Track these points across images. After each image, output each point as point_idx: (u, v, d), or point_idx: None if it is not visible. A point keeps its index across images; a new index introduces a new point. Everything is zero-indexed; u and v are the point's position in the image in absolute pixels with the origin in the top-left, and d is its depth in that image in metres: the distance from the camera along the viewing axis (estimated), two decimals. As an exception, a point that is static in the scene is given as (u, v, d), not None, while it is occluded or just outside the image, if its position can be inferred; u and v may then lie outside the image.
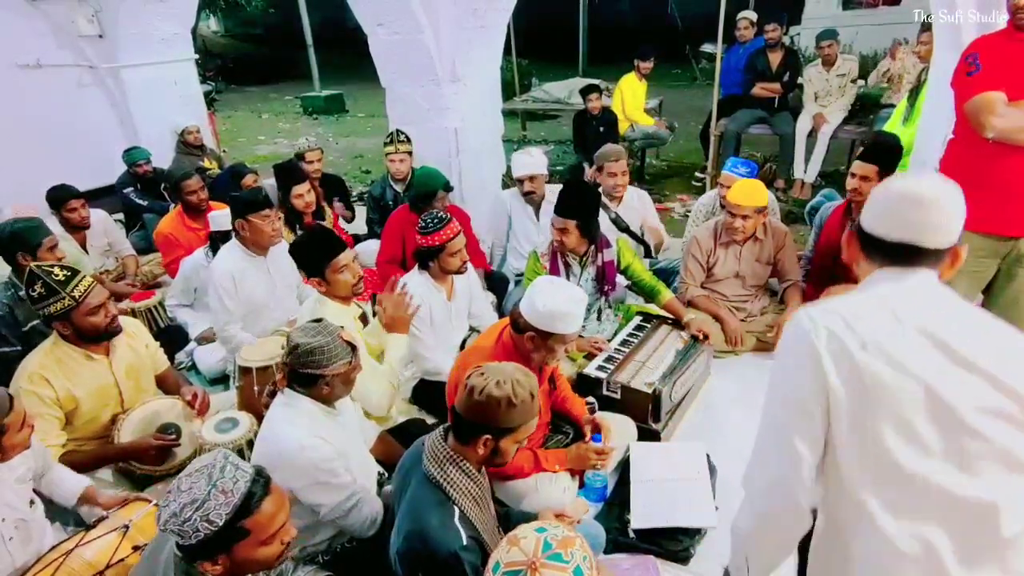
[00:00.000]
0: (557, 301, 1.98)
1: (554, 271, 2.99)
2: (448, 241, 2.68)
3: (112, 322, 2.31)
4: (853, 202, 3.17)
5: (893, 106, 4.95)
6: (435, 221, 2.69)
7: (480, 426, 1.53)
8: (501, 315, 3.43)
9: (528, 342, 2.06)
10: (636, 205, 3.94)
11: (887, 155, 3.08)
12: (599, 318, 3.19)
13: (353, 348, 1.85)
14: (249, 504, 1.26)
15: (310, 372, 1.80)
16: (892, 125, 4.43)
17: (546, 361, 2.14)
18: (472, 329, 3.15)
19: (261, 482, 1.31)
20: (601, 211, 3.24)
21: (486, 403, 1.50)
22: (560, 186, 4.01)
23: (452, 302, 2.91)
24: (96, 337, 2.30)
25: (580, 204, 2.87)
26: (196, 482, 1.24)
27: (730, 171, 3.61)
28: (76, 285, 2.20)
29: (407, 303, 2.52)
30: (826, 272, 3.40)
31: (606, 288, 3.09)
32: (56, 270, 2.21)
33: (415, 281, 2.76)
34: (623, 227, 3.71)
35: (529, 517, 1.98)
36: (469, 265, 2.96)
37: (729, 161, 3.73)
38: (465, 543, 1.47)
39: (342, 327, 1.90)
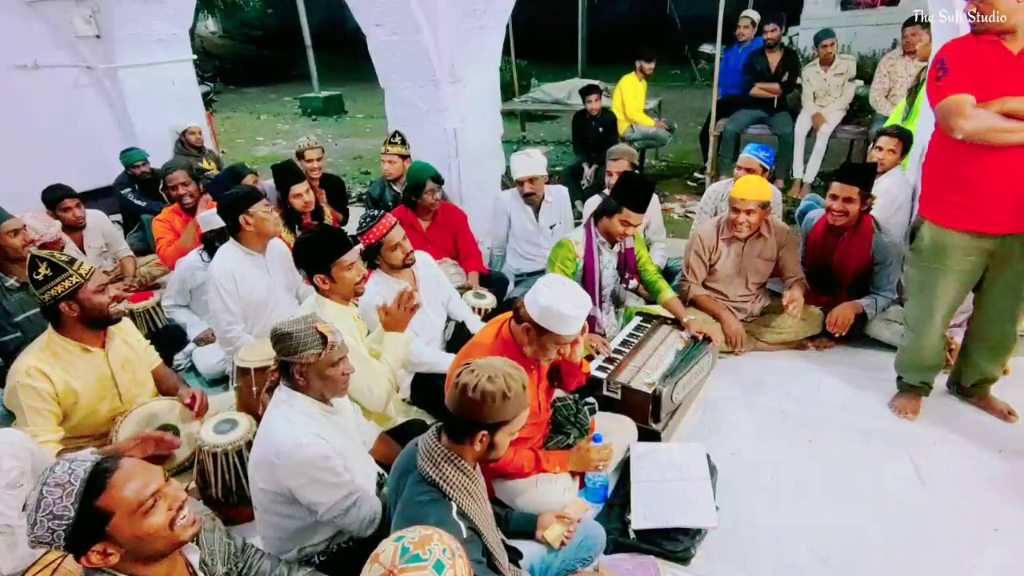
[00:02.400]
0: (560, 301, 1.97)
1: (589, 254, 3.01)
2: (383, 236, 2.67)
3: (113, 303, 2.34)
4: (835, 223, 3.19)
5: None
6: (367, 219, 2.70)
7: (475, 423, 1.53)
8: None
9: (524, 333, 2.07)
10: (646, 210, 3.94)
11: (864, 175, 3.12)
12: (615, 303, 3.27)
13: (325, 340, 1.83)
14: (94, 485, 1.23)
15: (284, 359, 1.82)
16: (892, 123, 4.42)
17: (537, 357, 2.12)
18: (450, 320, 3.13)
19: (106, 462, 1.28)
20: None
21: (481, 400, 1.49)
22: (560, 187, 4.05)
23: (418, 294, 2.87)
24: (101, 320, 2.33)
25: (649, 197, 2.99)
26: (32, 492, 1.23)
27: (751, 154, 3.64)
28: (80, 265, 2.27)
29: (406, 301, 2.50)
30: (817, 280, 3.41)
31: (627, 276, 3.14)
32: (57, 254, 2.27)
33: (374, 284, 2.74)
34: None
35: (530, 518, 1.98)
36: (427, 257, 2.98)
37: (750, 146, 3.76)
38: (465, 535, 1.47)
39: (319, 319, 1.89)
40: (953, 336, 2.98)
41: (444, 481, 1.53)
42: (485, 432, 1.54)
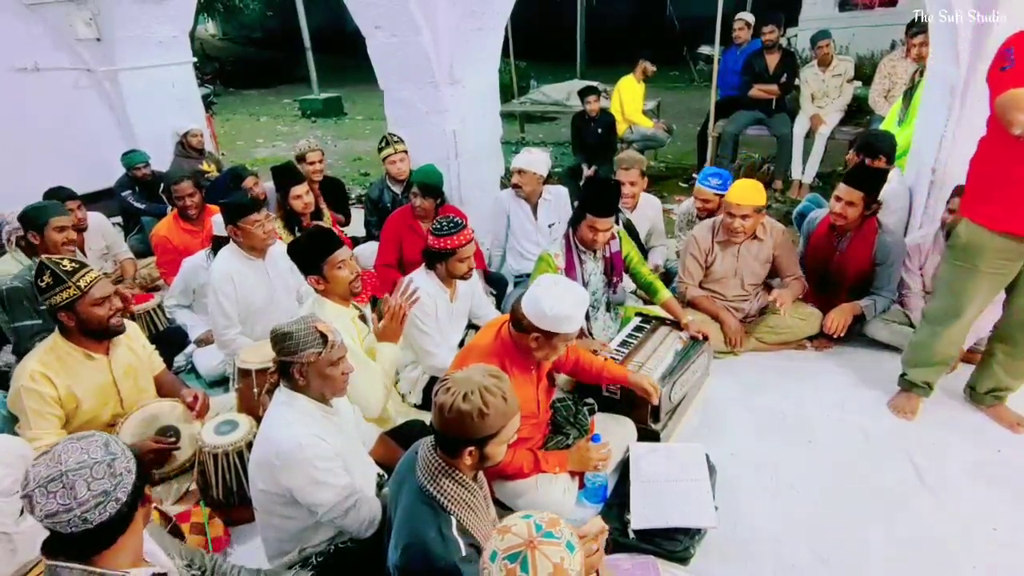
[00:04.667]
0: (565, 304, 1.99)
1: (570, 266, 3.00)
2: (460, 247, 2.68)
3: (114, 316, 2.32)
4: (835, 223, 3.17)
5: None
6: (450, 225, 2.68)
7: (460, 440, 1.51)
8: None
9: (532, 342, 2.08)
10: (650, 215, 3.95)
11: (873, 181, 3.08)
12: (608, 309, 3.23)
13: (325, 339, 1.84)
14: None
15: (284, 360, 1.82)
16: (887, 126, 4.43)
17: (547, 358, 2.15)
18: (471, 326, 3.16)
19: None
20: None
21: (458, 419, 1.47)
22: (559, 187, 4.05)
23: (454, 303, 2.92)
24: (98, 332, 2.31)
25: (615, 200, 2.94)
26: (82, 452, 1.23)
27: (702, 184, 3.60)
28: (82, 276, 2.23)
29: (401, 312, 2.51)
30: (816, 282, 3.41)
31: (615, 280, 3.12)
32: (64, 261, 2.24)
33: (422, 280, 2.77)
34: (632, 234, 3.72)
35: None
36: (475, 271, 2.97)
37: (703, 171, 3.71)
38: (464, 553, 1.46)
39: (318, 319, 1.90)
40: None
41: (443, 495, 1.52)
42: (472, 448, 1.52)
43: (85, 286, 2.22)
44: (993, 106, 2.19)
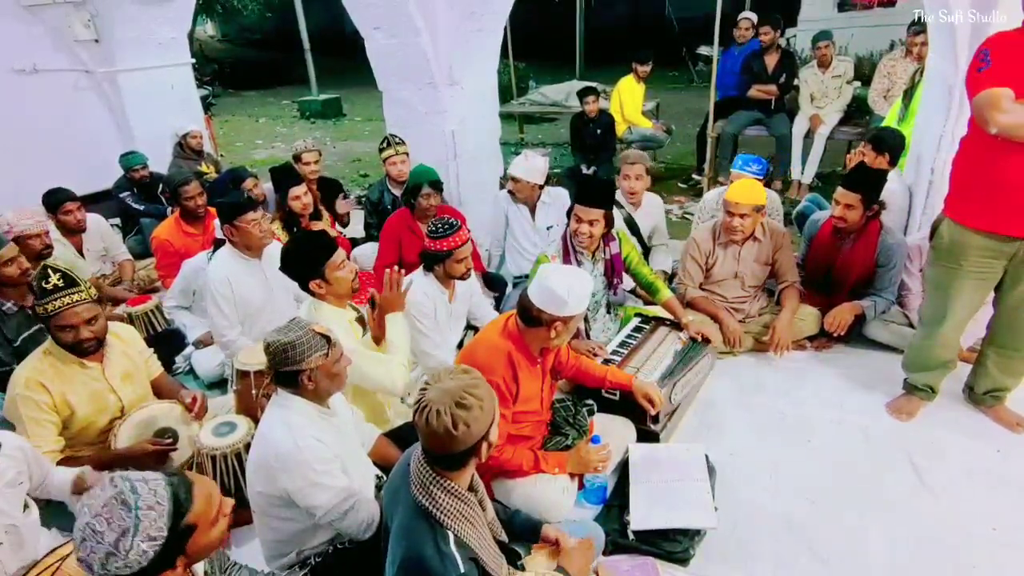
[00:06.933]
0: (575, 286, 2.03)
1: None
2: (456, 248, 2.69)
3: (86, 341, 2.27)
4: (837, 226, 3.17)
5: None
6: (445, 227, 2.68)
7: (454, 457, 1.49)
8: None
9: (553, 331, 2.10)
10: (654, 214, 3.95)
11: (870, 182, 3.07)
12: (608, 311, 3.22)
13: (328, 339, 1.83)
14: (180, 501, 1.23)
15: (289, 369, 1.79)
16: (887, 124, 4.43)
17: (564, 341, 2.20)
18: (470, 327, 3.16)
19: (177, 477, 1.27)
20: (616, 210, 3.23)
21: (448, 441, 1.44)
22: (558, 188, 4.05)
23: (453, 304, 2.92)
24: (70, 351, 2.28)
25: (605, 194, 2.92)
26: (112, 516, 1.17)
27: (740, 170, 3.59)
28: (54, 299, 2.19)
29: (398, 283, 2.49)
30: (817, 283, 3.41)
31: (615, 281, 3.12)
32: (55, 277, 2.21)
33: (420, 282, 2.77)
34: (634, 231, 3.71)
35: (534, 526, 1.94)
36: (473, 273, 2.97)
37: (739, 159, 3.69)
38: (463, 570, 1.44)
39: (310, 322, 1.88)
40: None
41: (438, 509, 1.49)
42: (465, 457, 1.50)
43: (52, 310, 2.18)
44: (972, 106, 2.23)
